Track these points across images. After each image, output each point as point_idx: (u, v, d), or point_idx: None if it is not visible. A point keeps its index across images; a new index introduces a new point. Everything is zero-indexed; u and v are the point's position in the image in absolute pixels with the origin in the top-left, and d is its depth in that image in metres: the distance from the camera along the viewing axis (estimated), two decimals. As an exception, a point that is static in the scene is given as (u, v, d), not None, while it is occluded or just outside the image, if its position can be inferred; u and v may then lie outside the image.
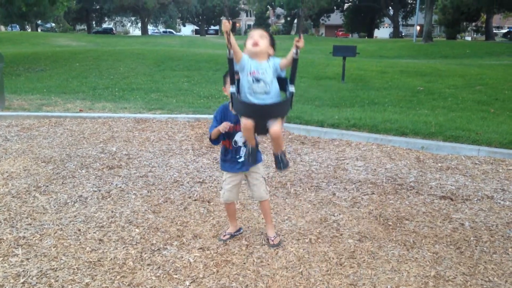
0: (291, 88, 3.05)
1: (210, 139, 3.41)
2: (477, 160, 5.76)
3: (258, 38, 3.03)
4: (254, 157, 3.26)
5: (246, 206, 4.23)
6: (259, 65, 2.98)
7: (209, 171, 5.19)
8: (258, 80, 2.93)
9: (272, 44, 3.11)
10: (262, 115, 2.99)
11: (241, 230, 3.70)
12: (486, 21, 48.29)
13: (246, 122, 2.99)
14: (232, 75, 3.03)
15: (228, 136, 3.35)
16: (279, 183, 4.86)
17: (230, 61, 2.98)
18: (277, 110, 3.03)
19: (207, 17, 71.37)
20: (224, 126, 3.25)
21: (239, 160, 3.38)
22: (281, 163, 3.12)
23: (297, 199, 4.42)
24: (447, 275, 3.12)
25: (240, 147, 3.37)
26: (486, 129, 7.06)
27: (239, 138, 3.35)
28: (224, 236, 3.57)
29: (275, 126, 3.00)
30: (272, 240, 3.48)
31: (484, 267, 3.24)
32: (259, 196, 3.48)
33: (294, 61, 3.02)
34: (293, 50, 2.96)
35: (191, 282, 2.98)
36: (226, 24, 2.87)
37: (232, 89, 3.01)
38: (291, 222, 3.90)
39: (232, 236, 3.59)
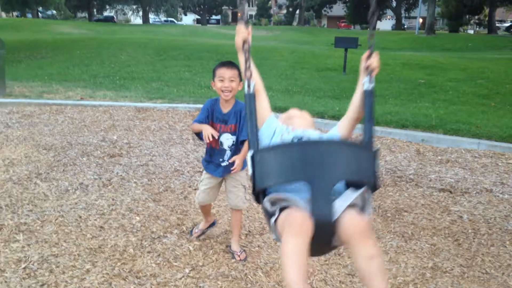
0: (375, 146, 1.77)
1: (194, 132, 3.13)
2: (477, 154, 5.78)
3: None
4: None
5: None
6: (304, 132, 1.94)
7: (209, 160, 5.22)
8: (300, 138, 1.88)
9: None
10: (324, 168, 1.59)
11: (215, 223, 3.51)
12: (489, 14, 48.05)
13: (297, 223, 1.58)
14: (253, 120, 1.82)
15: (212, 147, 3.10)
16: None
17: (250, 98, 1.82)
18: (354, 159, 1.69)
19: (208, 6, 70.98)
20: (207, 135, 2.90)
21: (222, 164, 3.10)
22: None
23: (297, 190, 4.44)
24: (445, 266, 3.15)
25: (225, 150, 3.08)
26: (486, 122, 7.08)
27: (225, 140, 3.06)
28: (195, 232, 3.40)
29: (355, 220, 1.60)
30: (239, 256, 3.19)
31: (482, 259, 3.27)
32: (234, 204, 3.21)
33: (368, 96, 1.85)
34: (362, 78, 1.90)
35: (191, 270, 3.01)
36: (242, 30, 1.91)
37: (250, 153, 1.74)
38: (291, 212, 3.92)
39: (203, 232, 3.42)
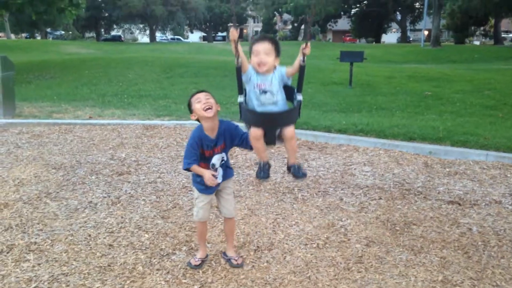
0: (299, 97, 3.03)
1: (185, 168, 3.11)
2: (485, 165, 5.75)
3: (264, 56, 2.90)
4: (266, 173, 3.09)
5: (254, 212, 4.26)
6: (265, 77, 2.92)
7: (217, 177, 5.24)
8: (265, 92, 2.88)
9: (278, 53, 2.99)
10: (271, 124, 2.96)
11: (208, 256, 3.39)
12: (494, 25, 48.08)
13: (255, 132, 2.93)
14: (240, 83, 3.00)
15: (205, 159, 3.09)
16: (287, 188, 4.89)
17: (238, 70, 2.95)
18: (286, 118, 2.99)
19: (214, 23, 71.78)
20: (209, 180, 3.00)
21: (217, 178, 3.11)
22: (299, 170, 2.98)
23: (305, 204, 4.44)
24: (455, 279, 3.13)
25: (217, 169, 3.12)
26: (494, 133, 7.05)
27: (216, 160, 3.11)
28: (196, 261, 3.27)
29: (287, 129, 2.95)
30: (236, 260, 3.28)
31: (492, 271, 3.24)
32: (229, 213, 3.28)
33: (301, 69, 2.98)
34: (300, 57, 2.93)
35: (200, 287, 3.01)
36: (233, 33, 2.86)
37: (240, 98, 2.98)
38: (299, 227, 3.92)
39: (203, 261, 3.29)
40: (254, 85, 2.94)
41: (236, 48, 2.86)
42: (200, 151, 3.05)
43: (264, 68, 2.88)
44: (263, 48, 2.94)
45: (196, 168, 3.05)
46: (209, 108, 2.94)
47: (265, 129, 2.96)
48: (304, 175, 3.14)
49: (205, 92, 3.06)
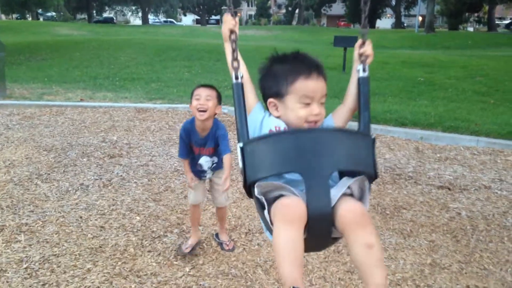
0: (373, 135, 1.65)
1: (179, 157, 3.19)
2: (476, 151, 5.80)
3: (322, 108, 1.72)
4: None
5: (245, 195, 4.26)
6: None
7: (209, 160, 5.24)
8: None
9: None
10: (318, 156, 1.47)
11: (200, 241, 3.36)
12: (488, 12, 48.01)
13: (289, 206, 1.46)
14: (243, 112, 1.68)
15: (193, 157, 3.07)
16: (279, 172, 4.90)
17: (237, 87, 1.70)
18: (352, 149, 1.56)
19: (208, 6, 71.00)
20: (189, 183, 3.07)
21: (206, 175, 3.15)
22: None
23: (296, 188, 4.46)
24: (443, 262, 3.17)
25: (206, 171, 3.09)
26: (485, 120, 7.09)
27: (204, 162, 3.03)
28: (186, 248, 3.21)
29: (353, 208, 1.46)
30: (227, 245, 3.30)
31: (480, 255, 3.29)
32: (220, 202, 3.23)
33: (363, 84, 1.81)
34: (356, 66, 1.83)
35: (191, 268, 3.03)
36: (229, 20, 1.76)
37: (239, 144, 1.61)
38: (290, 211, 3.94)
39: (193, 248, 3.23)
40: (269, 129, 1.73)
41: (233, 51, 1.73)
42: (189, 144, 3.01)
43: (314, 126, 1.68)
44: (320, 91, 1.74)
45: (185, 164, 3.08)
46: (203, 111, 2.82)
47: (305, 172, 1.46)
48: None
49: (210, 89, 2.88)
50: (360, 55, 1.79)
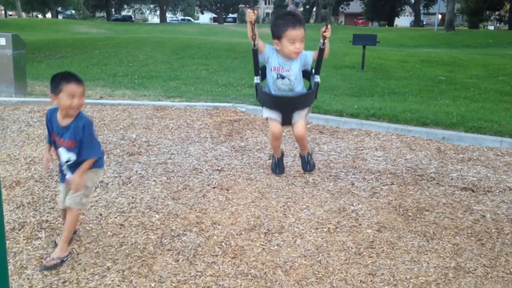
0: (317, 79, 3.05)
1: None
2: (500, 152, 5.67)
3: (300, 45, 2.95)
4: (282, 168, 3.48)
5: (264, 195, 4.24)
6: (285, 62, 2.88)
7: (227, 159, 5.21)
8: (282, 77, 2.90)
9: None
10: (287, 107, 3.07)
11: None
12: (509, 10, 47.11)
13: (275, 130, 3.07)
14: (256, 65, 3.20)
15: (55, 145, 2.96)
16: (298, 172, 4.85)
17: (255, 52, 3.08)
18: (303, 101, 3.12)
19: (225, 5, 71.08)
20: (44, 161, 3.02)
21: (65, 175, 3.04)
22: (307, 164, 3.18)
23: (316, 188, 4.41)
24: (468, 266, 3.09)
25: (63, 163, 2.97)
26: (509, 120, 6.94)
27: (61, 153, 2.92)
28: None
29: (299, 128, 3.18)
30: (47, 261, 2.92)
31: (506, 259, 3.20)
32: (68, 202, 2.98)
33: (320, 51, 3.08)
34: (320, 40, 3.02)
35: (210, 268, 3.00)
36: (251, 15, 2.95)
37: (256, 80, 3.20)
38: (310, 211, 3.89)
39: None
40: (272, 67, 2.99)
41: (253, 30, 3.01)
42: (51, 131, 2.95)
43: (297, 56, 2.94)
44: (301, 35, 2.97)
45: (47, 147, 3.06)
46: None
47: (281, 112, 3.02)
48: (312, 168, 3.30)
49: (78, 84, 2.93)
50: (323, 35, 3.06)
